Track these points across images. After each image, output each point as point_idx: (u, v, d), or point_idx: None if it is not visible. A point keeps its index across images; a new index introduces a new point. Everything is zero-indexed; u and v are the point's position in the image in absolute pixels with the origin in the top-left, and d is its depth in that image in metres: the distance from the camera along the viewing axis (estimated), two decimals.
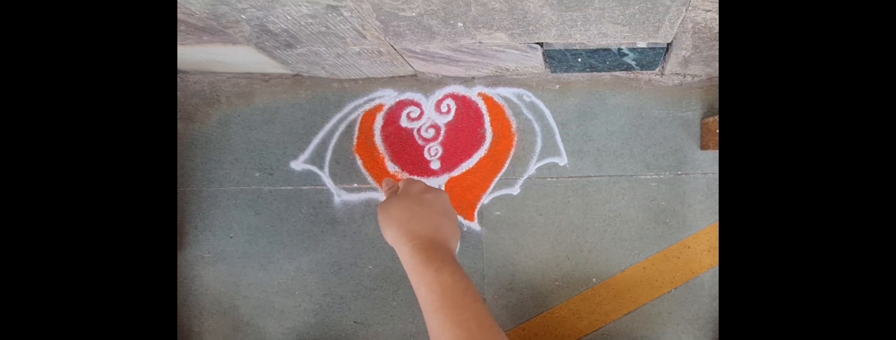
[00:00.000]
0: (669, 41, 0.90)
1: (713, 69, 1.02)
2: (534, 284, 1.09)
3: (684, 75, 1.06)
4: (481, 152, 1.10)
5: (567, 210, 1.08)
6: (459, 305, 0.44)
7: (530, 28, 0.83)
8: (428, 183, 0.62)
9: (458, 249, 0.54)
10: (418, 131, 1.11)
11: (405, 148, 1.11)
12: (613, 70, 1.05)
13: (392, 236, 0.52)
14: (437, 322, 0.45)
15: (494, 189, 1.09)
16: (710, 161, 1.06)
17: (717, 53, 0.94)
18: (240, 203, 1.12)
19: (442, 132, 1.10)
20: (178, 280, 1.12)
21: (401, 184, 0.58)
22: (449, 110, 1.10)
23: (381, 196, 1.10)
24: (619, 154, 1.07)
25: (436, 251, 0.49)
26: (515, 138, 1.09)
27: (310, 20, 0.81)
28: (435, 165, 1.10)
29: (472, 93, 1.10)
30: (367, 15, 0.80)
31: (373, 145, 1.11)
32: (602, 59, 0.98)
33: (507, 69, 1.06)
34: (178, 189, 1.12)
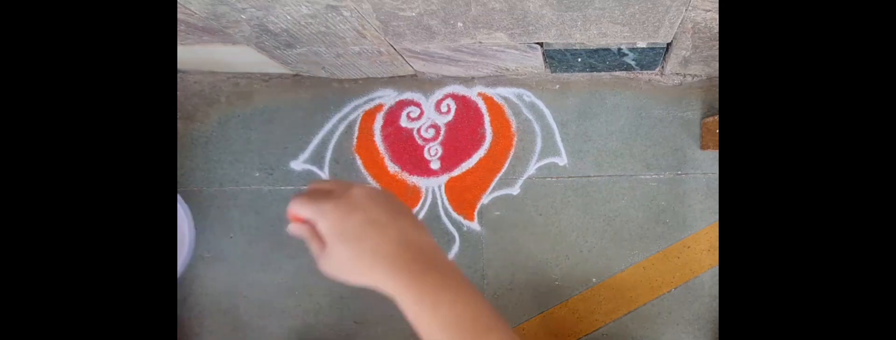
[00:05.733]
0: (669, 41, 0.90)
1: (713, 69, 1.02)
2: (534, 284, 1.09)
3: (684, 75, 1.06)
4: (481, 152, 1.10)
5: (567, 210, 1.08)
6: None
7: (530, 28, 0.83)
8: (427, 182, 0.59)
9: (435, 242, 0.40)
10: (418, 130, 1.11)
11: (405, 148, 1.10)
12: (613, 70, 1.05)
13: (364, 280, 0.38)
14: None
15: (494, 189, 1.09)
16: (710, 161, 1.06)
17: (717, 53, 0.94)
18: (240, 203, 1.12)
19: (442, 132, 1.10)
20: (178, 280, 1.12)
21: (321, 211, 0.37)
22: (449, 110, 1.10)
23: None
24: (619, 154, 1.07)
25: (423, 275, 0.37)
26: (515, 138, 1.09)
27: (310, 20, 0.81)
28: (435, 165, 1.10)
29: (472, 93, 1.10)
30: (367, 15, 0.80)
31: (373, 144, 1.11)
32: (602, 59, 0.98)
33: (507, 69, 1.06)
34: (179, 189, 1.12)
